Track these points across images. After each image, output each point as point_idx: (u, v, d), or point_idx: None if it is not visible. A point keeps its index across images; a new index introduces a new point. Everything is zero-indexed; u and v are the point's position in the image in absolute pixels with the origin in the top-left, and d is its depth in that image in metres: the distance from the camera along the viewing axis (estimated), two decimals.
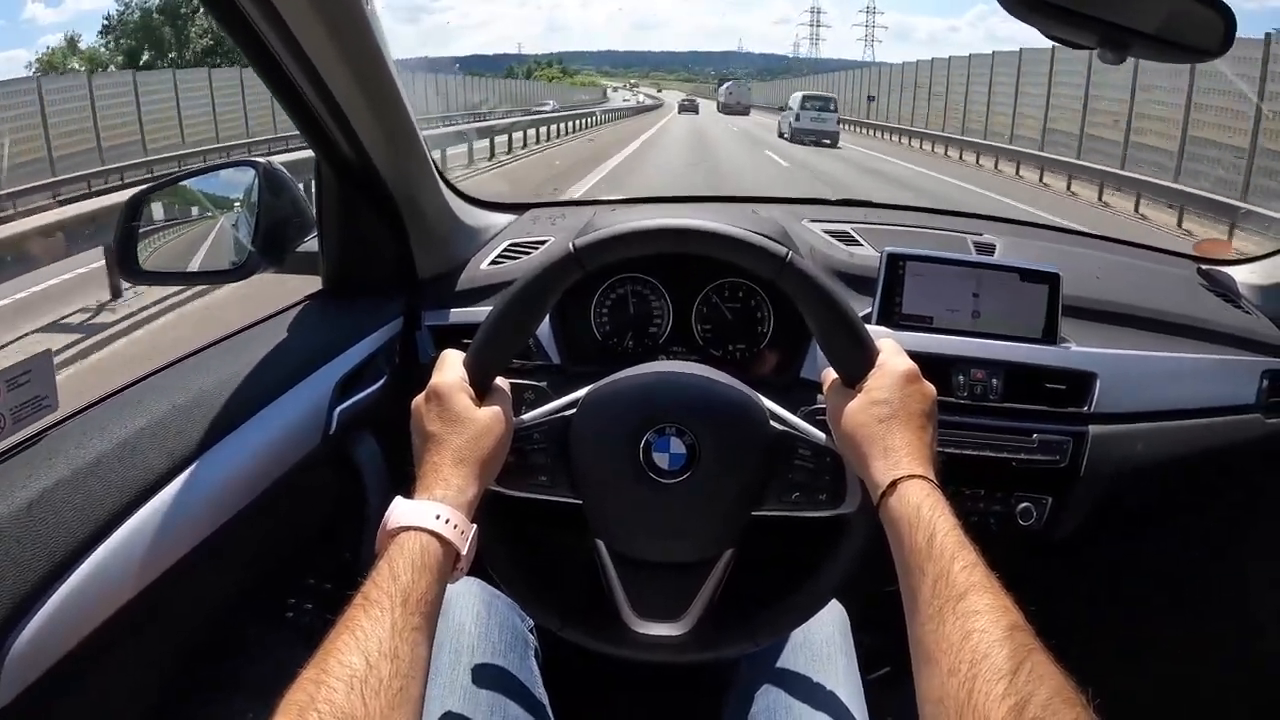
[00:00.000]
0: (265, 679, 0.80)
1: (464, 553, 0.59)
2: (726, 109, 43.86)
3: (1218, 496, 1.11)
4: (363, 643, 0.49)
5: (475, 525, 0.61)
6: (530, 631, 0.87)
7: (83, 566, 0.60)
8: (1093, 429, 1.01)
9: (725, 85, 52.50)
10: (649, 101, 56.82)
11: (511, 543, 0.71)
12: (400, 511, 0.59)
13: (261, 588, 0.86)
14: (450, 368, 0.67)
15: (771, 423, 0.70)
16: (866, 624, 0.92)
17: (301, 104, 0.84)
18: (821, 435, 0.70)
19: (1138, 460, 1.02)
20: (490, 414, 0.66)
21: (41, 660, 0.57)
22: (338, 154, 0.92)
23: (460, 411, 0.64)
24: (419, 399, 0.67)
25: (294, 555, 0.91)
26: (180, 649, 0.76)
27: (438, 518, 0.58)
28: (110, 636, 0.62)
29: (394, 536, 0.57)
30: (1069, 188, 12.65)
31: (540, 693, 0.82)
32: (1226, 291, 1.21)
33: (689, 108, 46.47)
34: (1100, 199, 11.69)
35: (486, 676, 0.79)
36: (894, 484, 0.59)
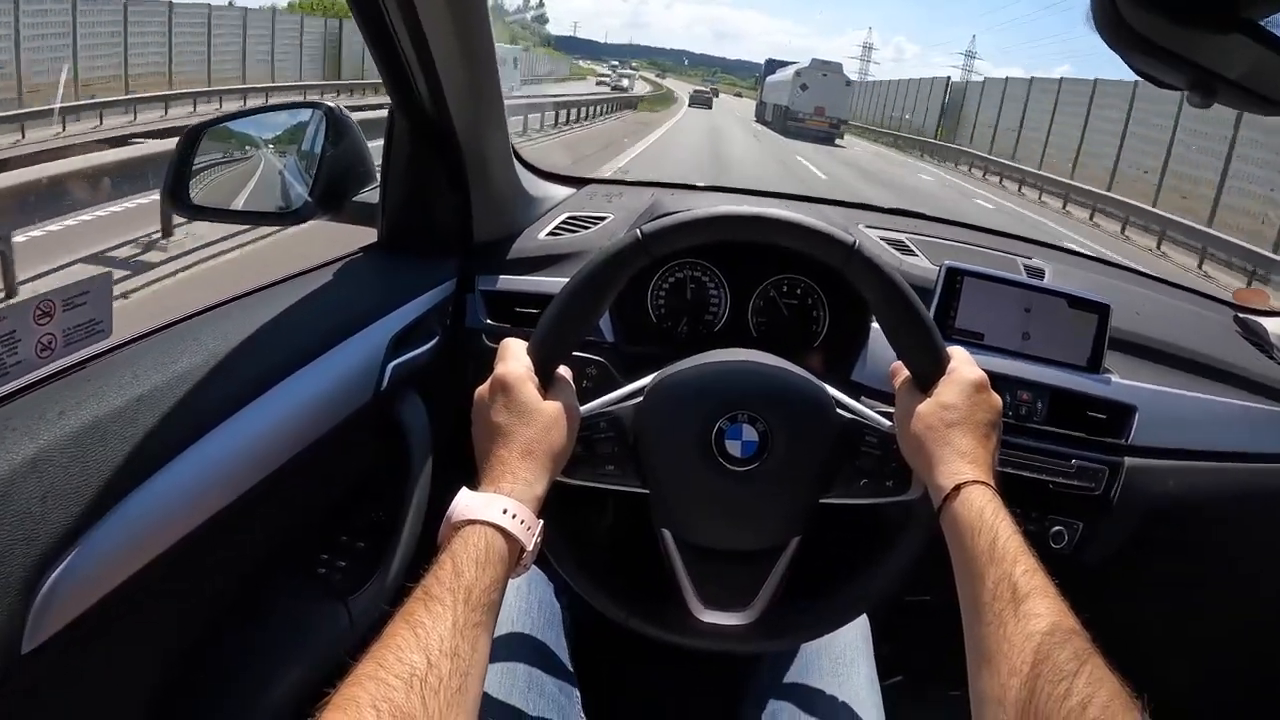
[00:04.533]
0: (296, 633, 0.79)
1: (529, 549, 0.58)
2: (793, 122, 24.84)
3: (1241, 541, 1.13)
4: (423, 640, 0.47)
5: (542, 521, 0.60)
6: (565, 609, 0.87)
7: (125, 505, 0.58)
8: (1128, 461, 1.02)
9: (796, 70, 28.00)
10: (616, 89, 34.66)
11: (575, 534, 0.70)
12: (465, 504, 0.57)
13: (297, 541, 0.85)
14: (514, 357, 0.66)
15: (839, 410, 0.71)
16: (883, 632, 0.93)
17: (392, 49, 0.82)
18: (887, 423, 0.71)
19: (1168, 496, 1.03)
20: (558, 405, 0.64)
21: (79, 600, 0.55)
22: (416, 105, 0.90)
23: (527, 402, 0.63)
24: (482, 389, 0.65)
25: (332, 510, 0.89)
26: (213, 597, 0.74)
27: (504, 512, 0.56)
28: (148, 579, 0.60)
29: (458, 530, 0.55)
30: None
31: (573, 669, 0.82)
32: (1260, 341, 1.23)
33: (701, 101, 36.53)
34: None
35: (523, 650, 0.79)
36: (957, 488, 0.60)
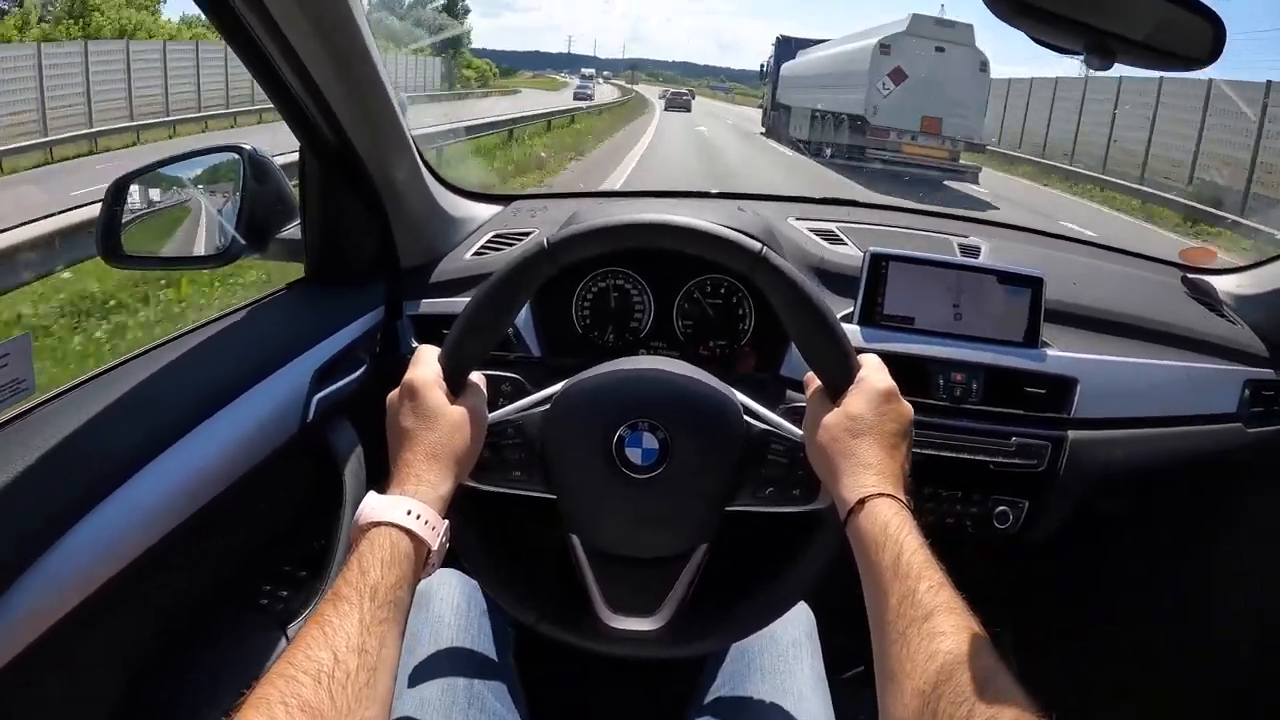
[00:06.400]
0: (237, 664, 0.81)
1: (435, 548, 0.59)
2: (877, 150, 12.32)
3: (1196, 505, 1.11)
4: (331, 638, 0.49)
5: (447, 521, 0.61)
6: (510, 626, 0.88)
7: (56, 550, 0.60)
8: (1072, 434, 1.02)
9: (881, 42, 12.48)
10: None
11: (486, 538, 0.72)
12: (371, 507, 0.59)
13: (236, 574, 0.87)
14: (425, 363, 0.68)
15: (746, 418, 0.71)
16: (837, 624, 0.93)
17: (282, 86, 0.83)
18: (797, 431, 0.70)
19: (1116, 466, 1.02)
20: (464, 409, 0.66)
21: (13, 644, 0.57)
22: (320, 138, 0.92)
23: (434, 407, 0.65)
24: (393, 394, 0.67)
25: (269, 542, 0.91)
26: (154, 634, 0.76)
27: (409, 513, 0.58)
28: (83, 621, 0.62)
29: (365, 532, 0.57)
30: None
31: (516, 684, 0.83)
32: (1209, 300, 1.21)
33: (678, 104, 30.82)
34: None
35: (464, 667, 0.80)
36: (862, 501, 0.60)
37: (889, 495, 0.60)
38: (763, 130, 21.53)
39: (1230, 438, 1.06)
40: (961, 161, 12.90)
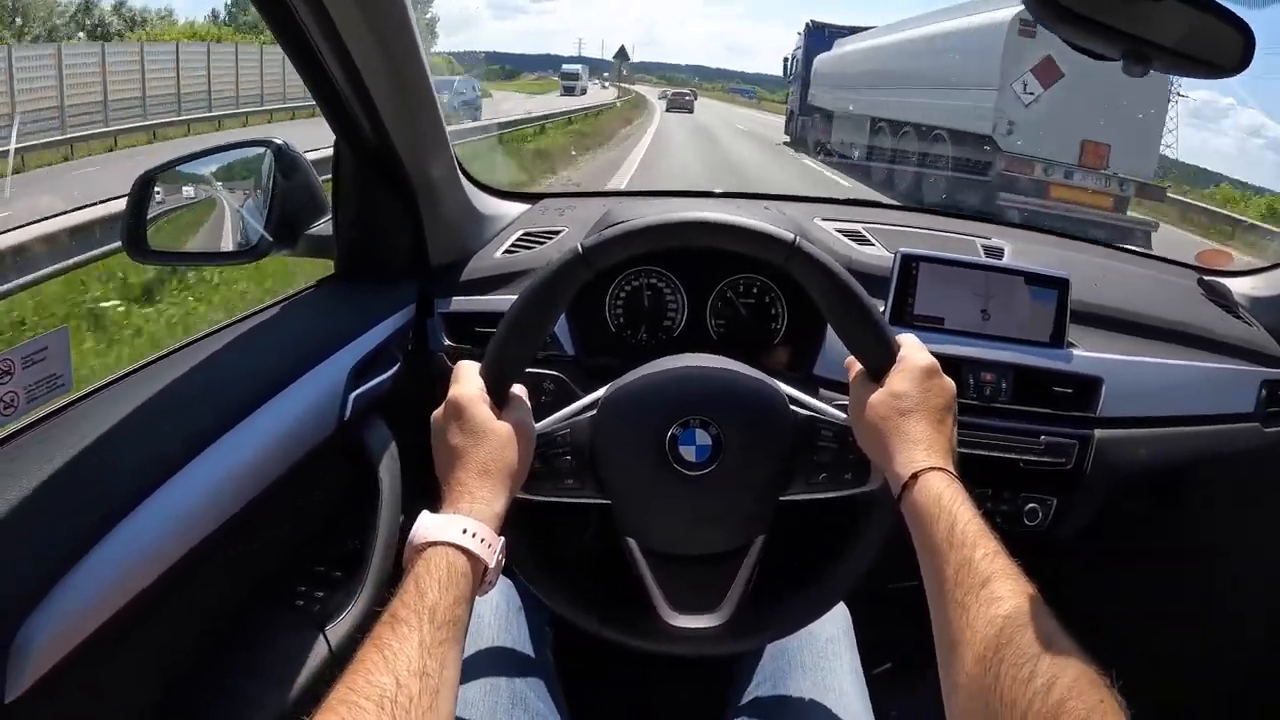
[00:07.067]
0: (275, 666, 0.80)
1: (491, 566, 0.59)
2: (1010, 194, 7.28)
3: (1216, 503, 1.13)
4: (391, 661, 0.49)
5: (503, 538, 0.61)
6: (547, 625, 0.88)
7: (96, 551, 0.59)
8: (1098, 433, 1.03)
9: (1020, 14, 6.12)
10: None
11: (537, 549, 0.71)
12: (426, 527, 0.58)
13: (273, 574, 0.86)
14: (467, 379, 0.67)
15: (792, 407, 0.72)
16: (869, 621, 0.94)
17: (325, 79, 0.82)
18: (841, 416, 0.71)
19: (1140, 465, 1.04)
20: (512, 423, 0.66)
21: (56, 648, 0.56)
22: (358, 134, 0.91)
23: (481, 423, 0.64)
24: (438, 413, 0.67)
25: (305, 542, 0.90)
26: (192, 635, 0.75)
27: (464, 532, 0.58)
28: (124, 623, 0.61)
29: (421, 552, 0.57)
30: None
31: (555, 682, 0.83)
32: (1226, 302, 1.23)
33: (679, 105, 29.30)
34: None
35: (505, 666, 0.80)
36: (915, 475, 0.61)
37: (940, 469, 0.61)
38: (786, 139, 17.64)
39: (1248, 437, 1.08)
40: (1131, 214, 8.26)
